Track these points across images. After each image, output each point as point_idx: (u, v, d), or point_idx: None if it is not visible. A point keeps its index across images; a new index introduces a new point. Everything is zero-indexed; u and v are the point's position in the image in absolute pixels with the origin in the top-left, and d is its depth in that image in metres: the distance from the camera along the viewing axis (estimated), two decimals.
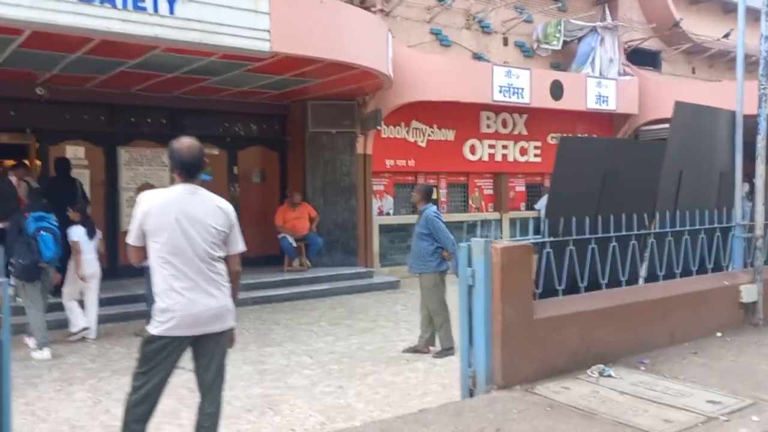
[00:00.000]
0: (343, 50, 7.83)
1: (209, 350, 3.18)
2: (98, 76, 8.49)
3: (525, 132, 13.72)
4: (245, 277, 9.62)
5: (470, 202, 13.53)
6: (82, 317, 7.34)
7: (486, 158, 13.37)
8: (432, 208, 6.53)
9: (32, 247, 6.32)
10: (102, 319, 7.78)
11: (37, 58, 7.36)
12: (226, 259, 3.23)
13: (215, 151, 10.97)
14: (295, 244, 10.63)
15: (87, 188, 9.65)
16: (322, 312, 8.89)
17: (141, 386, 3.04)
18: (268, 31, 6.85)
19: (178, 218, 3.04)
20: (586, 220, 4.87)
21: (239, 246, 3.29)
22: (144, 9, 6.04)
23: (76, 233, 7.20)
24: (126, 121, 10.08)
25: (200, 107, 10.49)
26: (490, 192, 13.79)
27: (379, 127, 10.89)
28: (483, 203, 13.70)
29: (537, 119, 13.64)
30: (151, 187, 8.09)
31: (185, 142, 3.13)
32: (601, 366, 4.49)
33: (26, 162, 9.45)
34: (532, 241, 4.82)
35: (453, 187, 13.28)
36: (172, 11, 6.18)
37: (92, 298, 7.43)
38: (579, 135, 13.43)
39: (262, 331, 7.72)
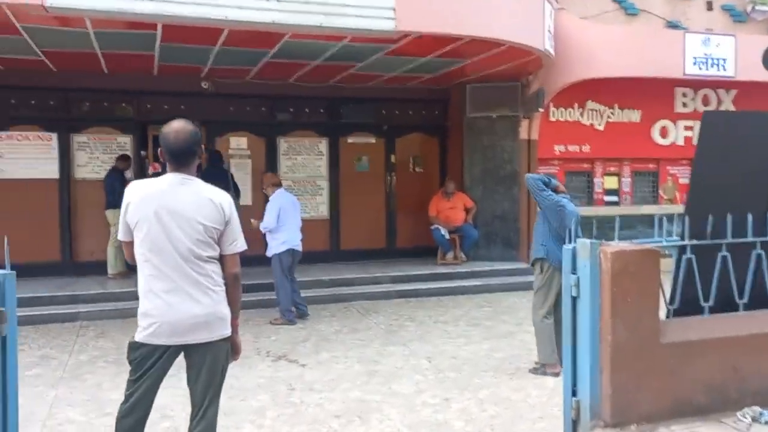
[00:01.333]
0: (484, 25, 7.09)
1: (197, 362, 2.82)
2: (250, 67, 8.73)
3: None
4: (394, 268, 9.67)
5: (660, 192, 11.83)
6: None
7: (681, 142, 11.56)
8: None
9: None
10: (245, 305, 8.04)
11: (188, 53, 7.73)
12: (221, 260, 2.84)
13: (372, 140, 10.84)
14: (448, 236, 10.10)
15: (248, 177, 10.13)
16: (467, 310, 8.28)
17: (130, 395, 2.78)
18: (393, 9, 6.39)
19: (157, 212, 2.70)
20: (748, 218, 3.72)
21: (237, 245, 2.87)
22: None
23: None
24: (285, 111, 10.34)
25: (356, 95, 10.40)
26: (687, 181, 11.91)
27: (540, 110, 9.88)
28: (677, 194, 11.89)
29: (748, 96, 11.45)
30: (273, 176, 8.20)
31: (173, 126, 2.76)
32: (758, 409, 3.39)
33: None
34: (665, 244, 3.81)
35: (639, 175, 11.70)
36: None
37: None
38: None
39: (393, 328, 7.35)
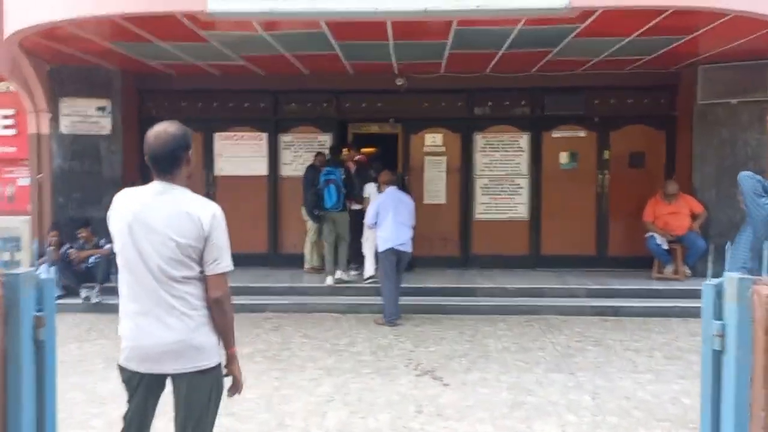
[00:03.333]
0: None
1: (176, 394, 2.50)
2: (437, 61, 8.36)
3: None
4: (596, 280, 8.52)
5: None
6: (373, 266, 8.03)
7: None
8: None
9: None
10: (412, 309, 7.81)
11: (367, 50, 7.65)
12: (205, 281, 2.48)
13: (581, 133, 9.70)
14: (666, 246, 8.57)
15: (443, 175, 9.77)
16: (673, 338, 6.89)
17: (124, 419, 2.57)
18: None
19: (131, 225, 2.42)
20: None
21: (220, 265, 2.47)
22: None
23: (368, 191, 8.55)
24: (483, 105, 9.74)
25: (562, 84, 9.38)
26: None
27: None
28: None
29: None
30: (386, 173, 7.75)
31: (155, 128, 2.46)
32: None
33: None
34: None
35: None
36: None
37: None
38: None
39: (570, 351, 6.38)
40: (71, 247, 8.20)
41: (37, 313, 2.87)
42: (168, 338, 2.41)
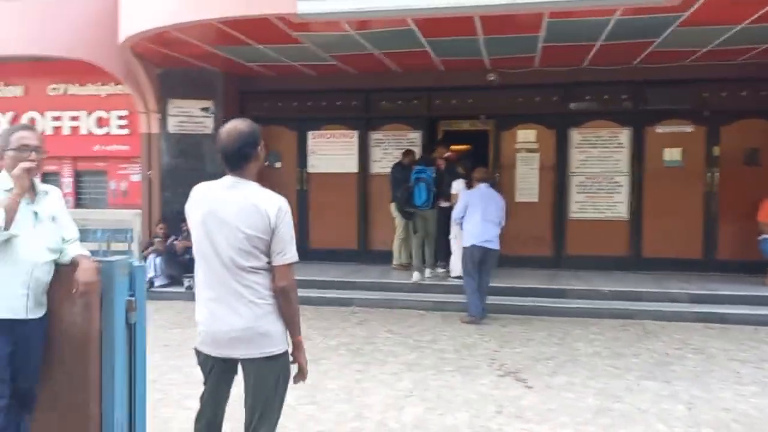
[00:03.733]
0: None
1: (245, 379, 2.59)
2: (531, 55, 8.15)
3: None
4: (700, 285, 8.04)
5: None
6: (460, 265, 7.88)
7: None
8: None
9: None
10: (503, 309, 7.70)
11: (455, 45, 7.58)
12: (272, 271, 2.55)
13: (688, 128, 9.15)
14: None
15: (536, 172, 9.53)
16: None
17: (200, 400, 2.71)
18: None
19: (205, 218, 2.54)
20: None
21: (286, 256, 2.53)
22: None
23: (456, 187, 8.48)
24: (580, 99, 9.40)
25: (668, 77, 8.87)
26: None
27: None
28: None
29: None
30: (479, 170, 7.72)
31: (227, 126, 2.55)
32: None
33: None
34: None
35: None
36: None
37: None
38: None
39: (668, 359, 6.02)
40: (176, 239, 8.73)
41: (129, 298, 3.11)
42: (238, 324, 2.52)
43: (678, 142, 9.17)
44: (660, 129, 9.20)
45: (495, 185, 8.21)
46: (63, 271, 2.94)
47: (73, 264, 2.91)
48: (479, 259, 7.25)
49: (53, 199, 3.01)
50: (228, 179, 2.61)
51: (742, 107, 8.95)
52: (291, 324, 2.61)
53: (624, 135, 9.28)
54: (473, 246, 7.24)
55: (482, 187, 7.44)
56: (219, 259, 2.54)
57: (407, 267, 9.10)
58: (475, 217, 7.24)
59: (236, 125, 2.58)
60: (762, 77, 8.73)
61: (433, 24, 6.45)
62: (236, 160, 2.57)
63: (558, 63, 8.68)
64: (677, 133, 9.16)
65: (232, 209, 2.53)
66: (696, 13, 6.03)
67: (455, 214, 7.53)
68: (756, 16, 6.22)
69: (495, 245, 7.31)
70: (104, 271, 2.99)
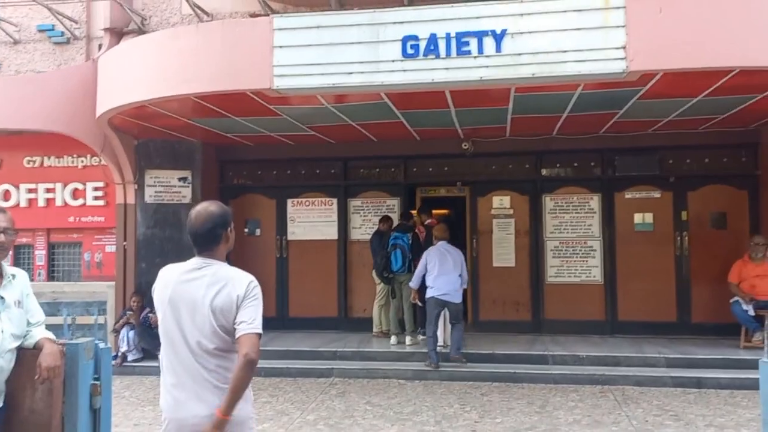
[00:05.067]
0: (752, 51, 5.53)
1: None
2: (501, 125, 8.40)
3: None
4: (677, 349, 8.06)
5: None
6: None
7: None
8: None
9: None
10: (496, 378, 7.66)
11: (429, 117, 7.79)
12: (237, 342, 2.48)
13: (656, 194, 9.38)
14: (753, 312, 8.01)
15: (511, 237, 9.65)
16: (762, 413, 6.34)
17: None
18: (624, 48, 5.42)
19: (172, 298, 2.55)
20: None
21: (254, 323, 2.49)
22: (468, 53, 5.65)
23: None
24: (551, 166, 9.65)
25: (634, 145, 9.17)
26: None
27: None
28: None
29: None
30: (438, 229, 8.21)
31: (197, 207, 2.59)
32: None
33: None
34: None
35: None
36: (498, 49, 5.58)
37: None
38: None
39: (647, 426, 5.97)
40: (151, 311, 8.60)
41: (94, 382, 3.06)
42: (202, 412, 2.47)
43: (647, 207, 9.39)
44: (629, 195, 9.43)
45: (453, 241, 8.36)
46: (26, 355, 2.89)
47: (37, 348, 2.86)
48: (439, 310, 7.90)
49: (20, 282, 2.99)
50: (196, 260, 2.63)
51: (706, 173, 9.23)
52: (233, 395, 2.44)
53: (595, 200, 9.49)
54: (432, 298, 7.88)
55: (440, 245, 8.03)
56: (184, 341, 2.52)
57: (388, 334, 9.06)
58: (434, 272, 7.88)
59: (207, 206, 2.62)
60: (723, 144, 9.06)
61: (406, 98, 6.66)
62: (206, 241, 2.60)
63: (528, 132, 8.95)
64: (646, 198, 9.39)
65: (199, 289, 2.54)
66: (654, 87, 6.31)
67: (416, 272, 8.11)
68: (710, 90, 6.52)
69: (455, 298, 7.90)
70: (69, 354, 2.96)
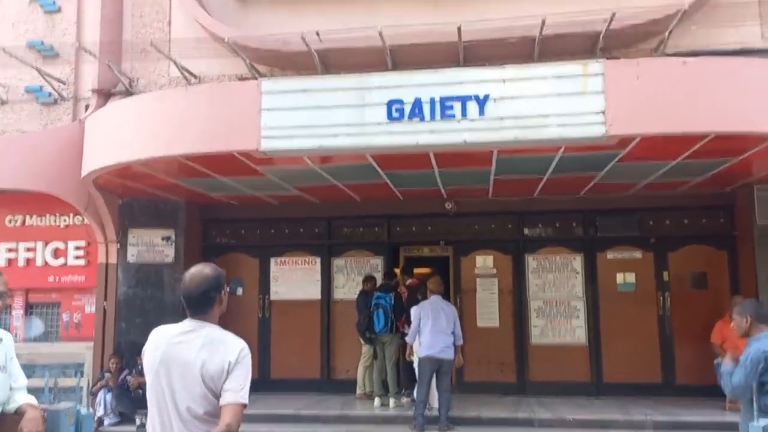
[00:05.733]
0: (731, 118, 5.76)
1: None
2: (484, 186, 8.53)
3: None
4: (663, 411, 7.99)
5: None
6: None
7: None
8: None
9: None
10: None
11: (412, 178, 7.93)
12: (221, 408, 2.44)
13: (638, 254, 9.49)
14: None
15: (495, 297, 9.65)
16: None
17: None
18: (603, 113, 5.62)
19: (163, 360, 2.51)
20: None
21: (238, 395, 2.44)
22: (452, 116, 5.81)
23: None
24: (533, 227, 9.77)
25: (614, 206, 9.34)
26: None
27: None
28: None
29: None
30: (432, 282, 8.04)
31: (190, 270, 2.59)
32: None
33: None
34: None
35: None
36: (482, 113, 5.75)
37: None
38: None
39: None
40: (130, 374, 8.39)
41: None
42: None
43: (629, 267, 9.49)
44: (611, 255, 9.53)
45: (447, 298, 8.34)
46: (7, 420, 2.82)
47: (19, 413, 2.79)
48: (433, 369, 7.53)
49: (5, 346, 2.93)
50: (189, 323, 2.61)
51: (685, 234, 9.38)
52: None
53: (577, 261, 9.57)
54: (426, 356, 7.54)
55: (433, 299, 7.81)
56: (174, 406, 2.47)
57: (371, 396, 8.90)
58: (426, 328, 7.57)
59: (201, 269, 2.62)
60: (700, 206, 9.25)
61: (390, 159, 6.77)
62: (200, 304, 2.58)
63: (510, 193, 9.09)
64: (627, 259, 9.51)
65: (191, 351, 2.50)
66: (633, 151, 6.48)
67: (411, 327, 7.82)
68: (687, 154, 6.72)
69: (448, 354, 7.59)
70: (50, 420, 2.88)
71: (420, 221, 9.97)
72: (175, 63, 8.51)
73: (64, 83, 9.32)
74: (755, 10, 7.93)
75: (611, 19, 7.15)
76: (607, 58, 6.57)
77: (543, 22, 7.20)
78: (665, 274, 9.38)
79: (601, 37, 7.40)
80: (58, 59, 9.44)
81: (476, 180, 8.15)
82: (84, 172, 7.82)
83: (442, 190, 8.89)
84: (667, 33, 7.48)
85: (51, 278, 9.43)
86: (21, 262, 9.49)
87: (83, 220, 9.21)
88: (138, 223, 9.27)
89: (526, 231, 9.76)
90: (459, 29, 7.38)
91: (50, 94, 9.32)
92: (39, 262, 9.47)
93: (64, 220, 9.49)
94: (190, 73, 8.70)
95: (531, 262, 9.67)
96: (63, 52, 9.44)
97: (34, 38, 9.45)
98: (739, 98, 5.85)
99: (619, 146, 6.25)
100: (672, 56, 7.32)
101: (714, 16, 7.81)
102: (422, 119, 5.90)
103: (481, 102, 5.81)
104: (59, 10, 9.52)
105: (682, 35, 7.79)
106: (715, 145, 6.35)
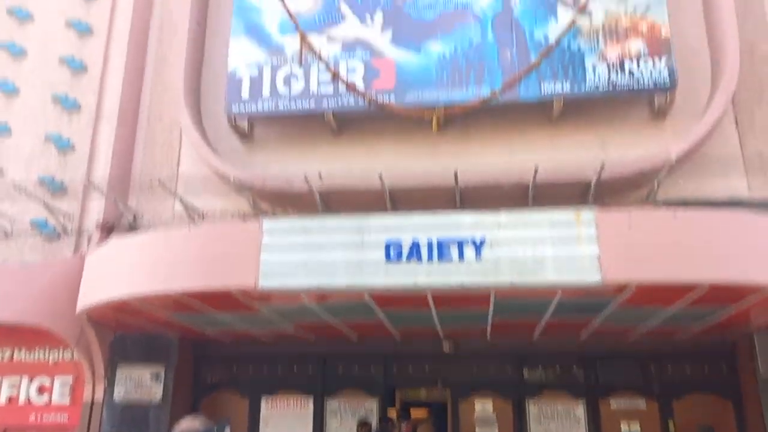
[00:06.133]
0: (726, 269, 5.83)
1: None
2: (482, 327, 8.45)
3: None
4: None
5: None
6: None
7: None
8: None
9: None
10: None
11: (410, 318, 7.85)
12: None
13: (641, 402, 9.18)
14: None
15: None
16: None
17: None
18: (598, 259, 5.70)
19: None
20: None
21: None
22: (450, 259, 5.88)
23: None
24: (533, 370, 9.53)
25: (615, 351, 9.20)
26: None
27: None
28: None
29: None
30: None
31: (181, 425, 2.58)
32: None
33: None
34: None
35: None
36: (478, 256, 5.83)
37: None
38: None
39: None
40: None
41: None
42: None
43: (633, 416, 9.15)
44: (614, 402, 9.22)
45: None
46: None
47: None
48: None
49: None
50: None
51: (689, 382, 9.13)
52: None
53: (579, 408, 9.23)
54: None
55: None
56: None
57: None
58: None
59: (190, 425, 2.59)
60: (702, 353, 9.09)
61: (388, 298, 6.75)
62: None
63: (509, 335, 8.97)
64: (631, 407, 9.18)
65: None
66: (630, 297, 6.48)
67: None
68: (683, 301, 6.71)
69: None
70: None
71: (417, 362, 9.72)
72: (181, 201, 8.74)
73: (69, 218, 9.48)
74: (740, 163, 8.30)
75: (601, 170, 7.45)
76: (600, 206, 6.77)
77: (536, 170, 7.50)
78: (671, 424, 9.03)
79: (592, 184, 7.67)
80: (66, 194, 9.69)
81: (474, 321, 8.07)
82: (80, 306, 7.75)
83: (440, 331, 8.78)
84: (656, 183, 7.76)
85: (32, 417, 9.03)
86: (2, 400, 9.12)
87: (72, 356, 8.99)
88: (128, 359, 9.03)
89: (525, 374, 9.50)
90: (456, 174, 7.68)
91: (54, 229, 9.46)
92: (21, 400, 9.11)
93: (53, 356, 9.25)
94: (194, 210, 8.90)
95: (532, 407, 9.32)
96: (72, 188, 9.71)
97: (46, 174, 9.75)
98: (731, 249, 5.95)
99: (615, 292, 6.27)
100: (663, 205, 7.55)
101: (702, 168, 8.17)
102: (420, 261, 5.97)
103: (478, 246, 5.91)
104: (72, 148, 9.90)
105: (672, 185, 8.10)
106: (711, 294, 6.35)
